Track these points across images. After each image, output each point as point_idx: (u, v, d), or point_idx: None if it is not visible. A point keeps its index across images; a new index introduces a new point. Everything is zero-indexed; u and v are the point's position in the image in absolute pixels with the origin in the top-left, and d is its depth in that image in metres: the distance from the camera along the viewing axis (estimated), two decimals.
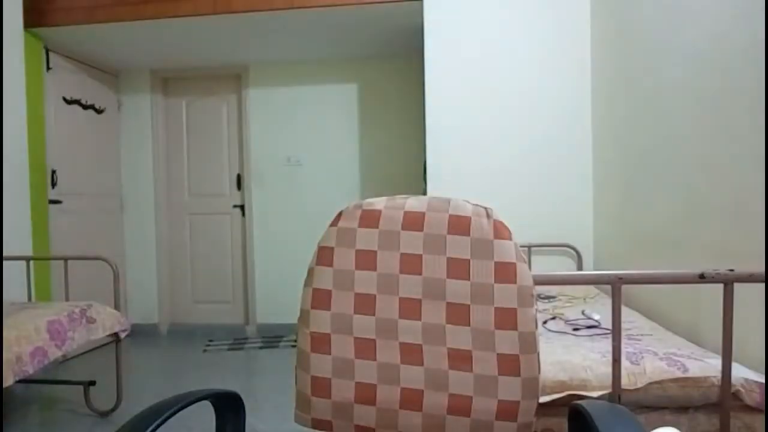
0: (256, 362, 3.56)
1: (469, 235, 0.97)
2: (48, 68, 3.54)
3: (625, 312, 2.04)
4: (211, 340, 4.04)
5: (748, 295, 1.41)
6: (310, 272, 1.05)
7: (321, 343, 1.03)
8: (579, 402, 0.85)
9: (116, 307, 2.66)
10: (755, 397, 1.27)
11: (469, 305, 0.97)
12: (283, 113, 4.27)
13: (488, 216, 0.98)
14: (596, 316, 1.95)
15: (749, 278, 1.24)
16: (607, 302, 2.28)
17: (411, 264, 1.00)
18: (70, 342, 2.28)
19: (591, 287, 2.68)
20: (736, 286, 1.24)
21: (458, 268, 0.97)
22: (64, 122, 3.70)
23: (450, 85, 3.06)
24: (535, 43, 3.02)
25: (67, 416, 2.66)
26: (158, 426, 0.78)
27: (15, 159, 3.13)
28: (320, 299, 1.03)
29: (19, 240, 3.13)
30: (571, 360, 1.40)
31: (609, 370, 1.30)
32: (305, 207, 4.25)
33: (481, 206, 0.99)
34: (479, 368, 0.96)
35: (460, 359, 0.97)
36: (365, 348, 1.01)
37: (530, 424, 0.97)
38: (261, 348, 3.85)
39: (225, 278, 4.38)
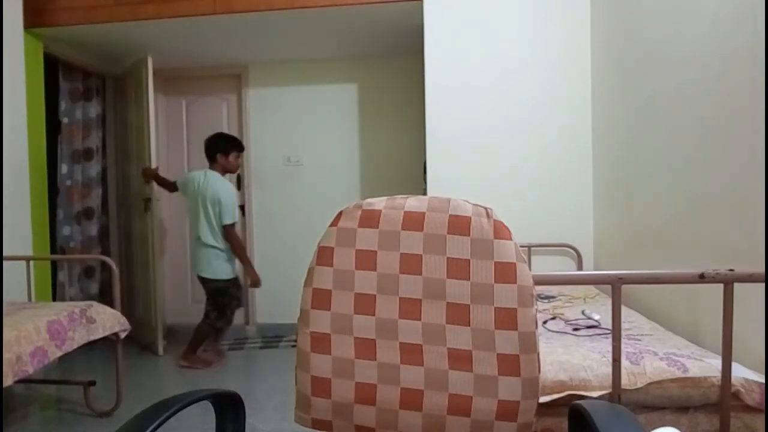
0: (256, 362, 3.56)
1: (469, 235, 0.97)
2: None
3: (625, 312, 2.04)
4: None
5: (748, 295, 1.41)
6: (310, 272, 1.05)
7: (321, 343, 1.03)
8: (579, 402, 0.85)
9: (116, 307, 2.66)
10: (755, 397, 1.27)
11: (469, 305, 0.97)
12: (283, 113, 4.27)
13: (488, 216, 0.98)
14: (596, 316, 1.95)
15: (749, 278, 1.24)
16: (607, 302, 2.28)
17: (411, 264, 1.00)
18: (70, 342, 2.28)
19: (591, 287, 2.68)
20: (736, 286, 1.24)
21: (458, 268, 0.97)
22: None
23: (450, 84, 3.05)
24: (535, 42, 3.01)
25: (67, 416, 2.66)
26: (158, 426, 0.78)
27: (15, 159, 3.13)
28: (320, 299, 1.03)
29: (19, 240, 3.13)
30: (571, 360, 1.40)
31: (609, 370, 1.30)
32: (305, 207, 4.25)
33: (481, 206, 0.99)
34: (479, 368, 0.96)
35: (460, 359, 0.97)
36: (365, 348, 1.01)
37: (530, 424, 0.97)
38: (261, 348, 3.85)
39: None
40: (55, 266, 3.70)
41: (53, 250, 3.73)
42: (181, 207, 4.39)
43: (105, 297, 3.80)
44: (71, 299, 3.70)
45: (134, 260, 3.99)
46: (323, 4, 3.09)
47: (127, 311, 3.84)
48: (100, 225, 4.10)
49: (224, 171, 3.36)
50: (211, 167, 3.34)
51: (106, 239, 4.24)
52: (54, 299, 3.61)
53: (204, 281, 3.28)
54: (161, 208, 4.25)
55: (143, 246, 3.80)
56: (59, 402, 2.86)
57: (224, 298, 3.31)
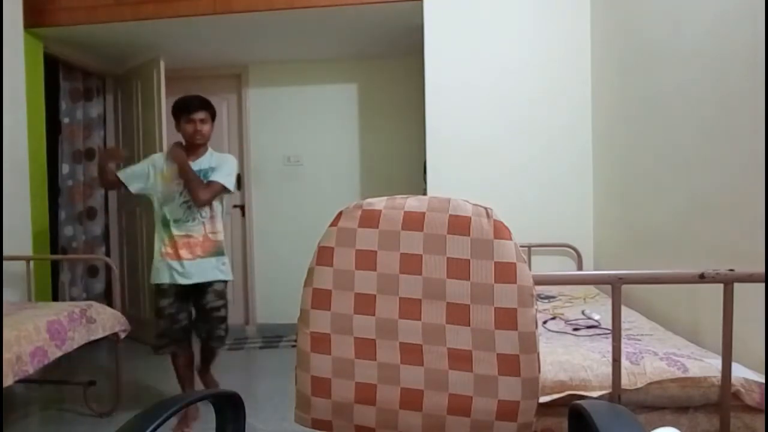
0: (256, 362, 3.56)
1: (469, 235, 0.97)
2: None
3: (625, 312, 2.03)
4: None
5: (748, 295, 1.41)
6: (310, 272, 1.05)
7: (321, 343, 1.03)
8: (579, 402, 0.85)
9: (116, 306, 2.66)
10: (755, 397, 1.27)
11: (469, 305, 0.97)
12: (283, 113, 4.27)
13: (488, 216, 0.98)
14: (596, 316, 1.95)
15: (749, 278, 1.24)
16: (607, 302, 2.28)
17: (411, 264, 1.00)
18: (70, 342, 2.28)
19: (591, 287, 2.67)
20: (736, 286, 1.24)
21: (458, 268, 0.97)
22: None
23: (450, 84, 3.05)
24: (535, 42, 3.01)
25: (67, 416, 2.66)
26: (158, 426, 0.78)
27: (15, 159, 3.12)
28: (320, 299, 1.03)
29: (19, 240, 3.13)
30: (571, 360, 1.39)
31: (609, 370, 1.30)
32: (305, 207, 4.25)
33: (481, 206, 0.99)
34: (479, 368, 0.96)
35: (460, 359, 0.97)
36: (365, 348, 1.01)
37: (530, 424, 0.97)
38: (261, 348, 3.85)
39: None
40: (57, 266, 3.70)
41: (55, 251, 3.73)
42: None
43: (109, 297, 3.80)
44: (74, 299, 3.70)
45: (140, 260, 3.99)
46: (323, 4, 3.09)
47: (131, 312, 3.85)
48: (104, 225, 4.10)
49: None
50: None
51: (106, 239, 4.23)
52: (56, 299, 3.61)
53: (214, 285, 2.54)
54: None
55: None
56: (59, 402, 2.86)
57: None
